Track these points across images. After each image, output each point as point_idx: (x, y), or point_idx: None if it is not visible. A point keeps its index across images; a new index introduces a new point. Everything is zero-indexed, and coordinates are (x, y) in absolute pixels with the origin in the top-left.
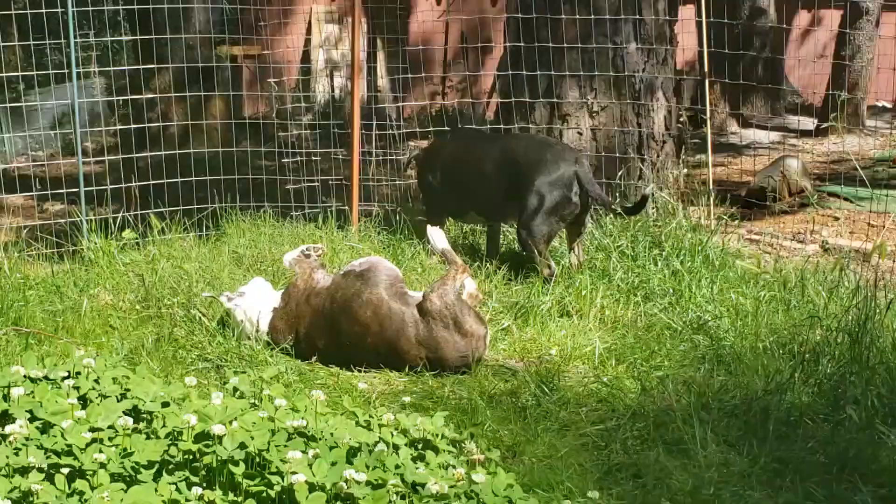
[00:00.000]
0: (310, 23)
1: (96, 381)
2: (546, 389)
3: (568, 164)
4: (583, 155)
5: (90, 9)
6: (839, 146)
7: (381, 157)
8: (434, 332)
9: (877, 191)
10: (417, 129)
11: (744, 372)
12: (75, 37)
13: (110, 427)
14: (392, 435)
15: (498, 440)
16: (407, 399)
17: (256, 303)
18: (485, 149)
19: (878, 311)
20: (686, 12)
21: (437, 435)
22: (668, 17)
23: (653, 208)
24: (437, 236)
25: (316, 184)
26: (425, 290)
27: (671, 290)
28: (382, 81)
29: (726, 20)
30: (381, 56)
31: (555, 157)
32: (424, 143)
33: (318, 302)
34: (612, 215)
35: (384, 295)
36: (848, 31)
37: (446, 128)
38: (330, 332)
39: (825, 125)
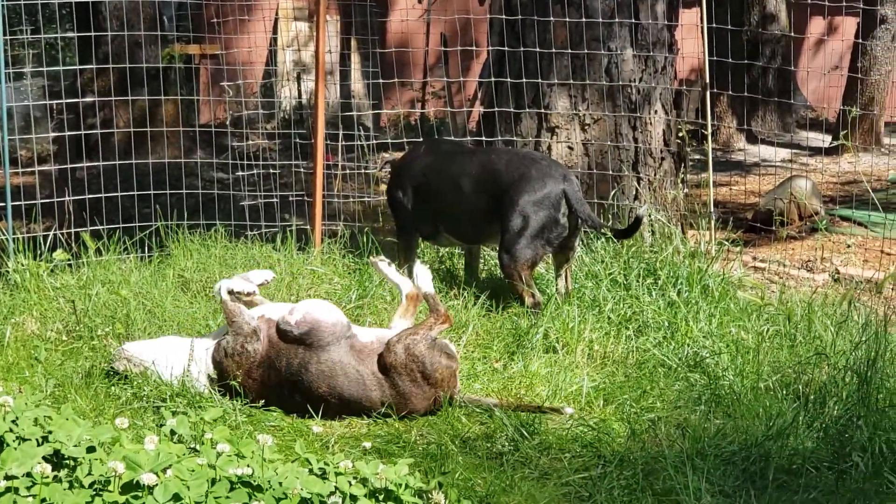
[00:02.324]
0: (276, 20)
1: (14, 421)
2: (525, 433)
3: (555, 182)
4: (571, 172)
5: (23, 2)
6: (853, 166)
7: (347, 171)
8: (400, 387)
9: (891, 215)
10: (389, 140)
11: (743, 414)
12: (5, 33)
13: (27, 475)
14: (349, 485)
15: (470, 490)
16: (368, 444)
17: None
18: (462, 163)
19: (888, 348)
20: (688, 16)
21: (400, 484)
22: (667, 22)
23: (648, 232)
24: (423, 276)
25: (275, 200)
26: (390, 338)
27: (666, 323)
28: (357, 86)
29: (732, 26)
30: (355, 58)
31: (540, 173)
32: (398, 155)
33: (262, 374)
34: (602, 239)
35: (335, 359)
36: (864, 40)
37: (421, 139)
38: (285, 402)
39: (838, 143)
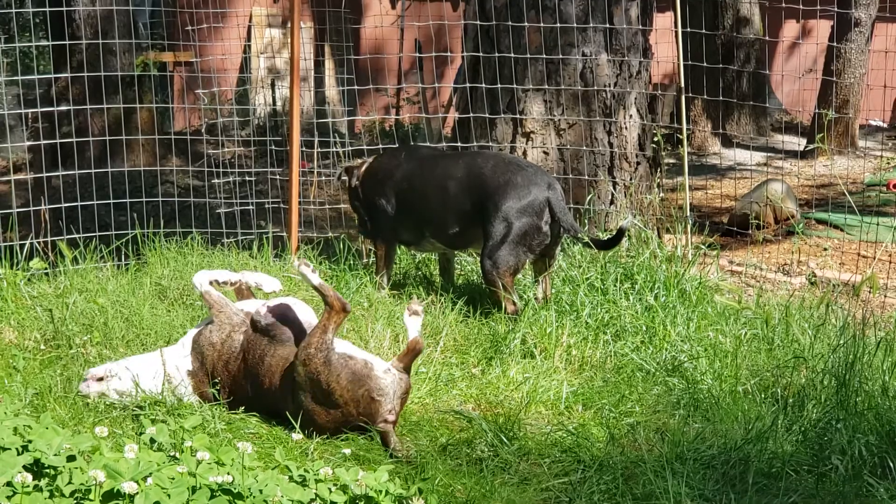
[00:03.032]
0: (249, 27)
1: None
2: (504, 438)
3: (540, 190)
4: (555, 180)
5: None
6: (828, 168)
7: (323, 178)
8: (304, 404)
9: (867, 218)
10: (365, 147)
11: (722, 418)
12: None
13: (8, 484)
14: (329, 491)
15: (450, 496)
16: (348, 451)
17: (151, 370)
18: (448, 167)
19: (866, 351)
20: (662, 20)
21: (380, 491)
22: (641, 26)
23: (625, 237)
24: (307, 272)
25: (251, 207)
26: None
27: (644, 328)
28: (331, 92)
29: (706, 30)
30: (329, 65)
31: (526, 180)
32: (360, 159)
33: (236, 367)
34: (580, 244)
35: (283, 356)
36: (838, 44)
37: (395, 145)
38: (245, 398)
39: (813, 146)
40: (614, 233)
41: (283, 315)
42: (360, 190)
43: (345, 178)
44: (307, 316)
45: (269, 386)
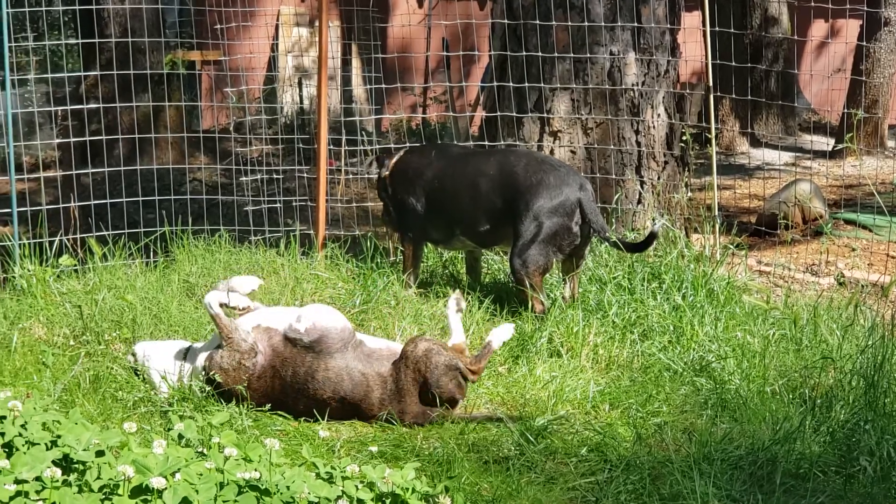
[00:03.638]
0: (277, 26)
1: (23, 426)
2: (531, 437)
3: (572, 190)
4: (587, 180)
5: (27, 9)
6: (857, 168)
7: (350, 176)
8: (401, 382)
9: None
10: (392, 145)
11: (750, 419)
12: (9, 40)
13: (37, 479)
14: (356, 489)
15: (476, 494)
16: (375, 448)
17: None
18: (479, 165)
19: (895, 352)
20: (690, 20)
21: (407, 489)
22: (669, 25)
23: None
24: (501, 333)
25: (278, 205)
26: (418, 335)
27: (671, 328)
28: (358, 91)
29: (734, 29)
30: (356, 63)
31: (558, 180)
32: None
33: (263, 384)
34: (607, 243)
35: (342, 365)
36: (867, 43)
37: (425, 143)
38: (288, 409)
39: (842, 146)
40: (644, 234)
41: (324, 329)
42: (389, 184)
43: (376, 167)
44: (340, 322)
45: (332, 394)
